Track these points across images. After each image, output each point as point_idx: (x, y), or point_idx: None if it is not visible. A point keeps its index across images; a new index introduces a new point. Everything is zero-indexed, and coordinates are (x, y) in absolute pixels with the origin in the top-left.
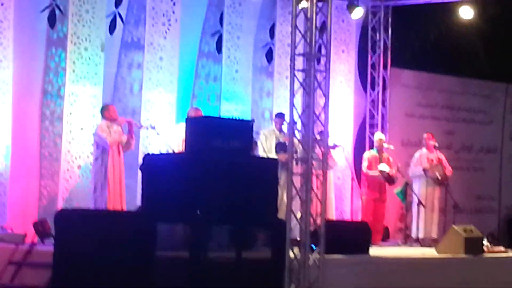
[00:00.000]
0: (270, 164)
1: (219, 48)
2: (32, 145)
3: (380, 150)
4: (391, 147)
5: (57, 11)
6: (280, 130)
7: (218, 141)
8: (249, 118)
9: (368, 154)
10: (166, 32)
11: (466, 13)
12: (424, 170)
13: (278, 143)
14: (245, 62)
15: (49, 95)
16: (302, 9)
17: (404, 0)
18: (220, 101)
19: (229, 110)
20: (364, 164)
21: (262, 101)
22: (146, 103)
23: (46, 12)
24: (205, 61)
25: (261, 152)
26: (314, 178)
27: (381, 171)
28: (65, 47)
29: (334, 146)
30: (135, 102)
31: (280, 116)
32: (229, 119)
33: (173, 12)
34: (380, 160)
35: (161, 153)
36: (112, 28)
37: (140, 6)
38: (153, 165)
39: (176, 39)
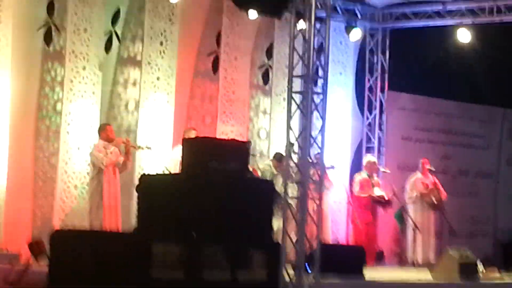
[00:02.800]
0: (266, 186)
1: (215, 68)
2: (26, 165)
3: (370, 173)
4: (388, 170)
5: (53, 29)
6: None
7: (214, 163)
8: (245, 140)
9: (359, 177)
10: (163, 52)
11: (464, 36)
12: (421, 194)
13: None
14: (242, 83)
15: (44, 110)
16: (300, 30)
17: (402, 23)
18: (217, 122)
19: (225, 131)
20: (356, 188)
21: (258, 120)
22: (143, 123)
23: (42, 30)
24: (201, 80)
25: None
26: (309, 201)
27: (378, 197)
28: (62, 61)
29: (331, 167)
30: (130, 119)
31: (278, 159)
32: (225, 140)
33: (171, 32)
34: (372, 185)
35: (157, 174)
36: (108, 46)
37: (137, 21)
38: (149, 186)
39: (173, 59)
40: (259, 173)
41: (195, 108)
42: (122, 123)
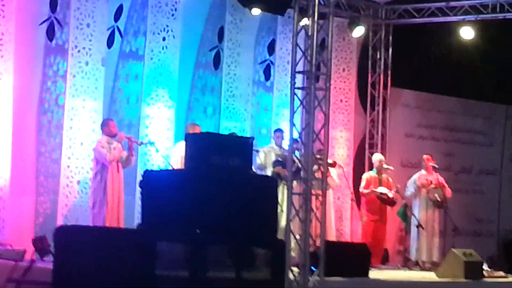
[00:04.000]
0: (270, 183)
1: (216, 63)
2: (29, 161)
3: (379, 172)
4: (391, 168)
5: (56, 24)
6: (280, 146)
7: (218, 158)
8: (248, 135)
9: (368, 175)
10: (166, 47)
11: (467, 33)
12: (417, 188)
13: (277, 160)
14: (244, 79)
15: (46, 104)
16: (303, 26)
17: (405, 19)
18: (220, 118)
19: (228, 127)
20: (362, 184)
21: (260, 117)
22: (145, 119)
23: (45, 25)
24: (202, 72)
25: (256, 168)
26: (313, 198)
27: (381, 193)
28: (64, 56)
29: (334, 164)
30: (132, 114)
31: (280, 131)
32: (229, 136)
33: (172, 30)
34: (380, 182)
35: (161, 170)
36: (110, 42)
37: (139, 17)
38: (153, 182)
39: (176, 54)
40: (263, 156)
41: (196, 99)
42: (124, 117)
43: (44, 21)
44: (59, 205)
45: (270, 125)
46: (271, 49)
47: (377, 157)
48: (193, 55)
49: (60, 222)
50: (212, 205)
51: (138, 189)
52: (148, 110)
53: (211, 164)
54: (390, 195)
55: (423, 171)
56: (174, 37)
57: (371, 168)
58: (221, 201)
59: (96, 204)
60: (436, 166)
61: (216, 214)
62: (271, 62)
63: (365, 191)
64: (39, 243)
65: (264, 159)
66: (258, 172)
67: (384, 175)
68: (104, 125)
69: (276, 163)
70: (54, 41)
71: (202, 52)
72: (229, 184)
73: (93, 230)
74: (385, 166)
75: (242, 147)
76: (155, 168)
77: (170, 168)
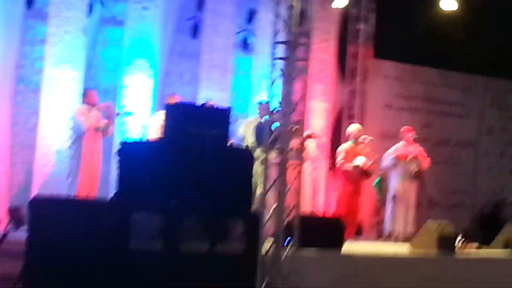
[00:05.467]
0: (246, 155)
1: (194, 33)
2: (3, 132)
3: (357, 142)
4: (370, 138)
5: None
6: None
7: (195, 129)
8: (227, 106)
9: (345, 146)
10: (146, 16)
11: (450, 5)
12: (395, 158)
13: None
14: (224, 48)
15: (23, 69)
16: None
17: None
18: (198, 87)
19: (207, 97)
20: (340, 157)
21: (238, 84)
22: (125, 88)
23: None
24: (181, 36)
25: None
26: (289, 169)
27: (355, 167)
28: (44, 20)
29: (312, 135)
30: (109, 80)
31: (265, 103)
32: (207, 107)
33: (151, 2)
34: (357, 153)
35: (138, 141)
36: (89, 10)
37: None
38: (130, 152)
39: (157, 23)
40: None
41: (174, 65)
42: (100, 83)
43: None
44: (35, 175)
45: (249, 93)
46: (250, 18)
47: (354, 127)
48: (171, 22)
49: (36, 192)
50: (188, 176)
51: (115, 159)
52: (128, 80)
53: (188, 135)
54: (365, 166)
55: (402, 142)
56: (155, 6)
57: (348, 139)
58: (197, 172)
59: (72, 173)
60: (416, 136)
61: (191, 185)
62: (250, 31)
63: (344, 166)
64: (14, 214)
65: (244, 130)
66: (240, 143)
67: (361, 146)
68: (84, 94)
69: (257, 131)
70: (33, 7)
71: (181, 19)
72: (205, 156)
73: (68, 202)
74: (364, 137)
75: (220, 118)
76: (133, 138)
77: (147, 138)
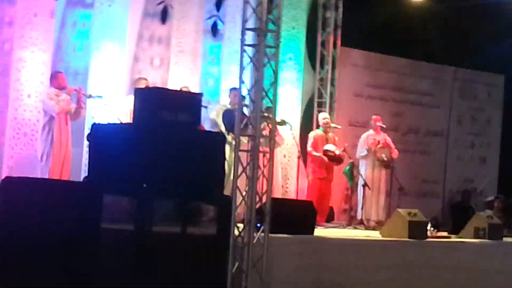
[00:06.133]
0: (217, 139)
1: (163, 18)
2: None
3: (326, 130)
4: (338, 127)
5: None
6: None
7: (166, 114)
8: (197, 90)
9: (314, 133)
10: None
11: None
12: (368, 150)
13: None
14: (193, 34)
15: None
16: None
17: None
18: (169, 70)
19: (177, 81)
20: (309, 143)
21: (207, 68)
22: (95, 70)
23: None
24: (150, 21)
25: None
26: (260, 156)
27: (325, 151)
28: (12, 1)
29: (282, 122)
30: (78, 62)
31: (236, 90)
32: (177, 91)
33: None
34: (326, 140)
35: (109, 123)
36: None
37: None
38: (101, 135)
39: (126, 6)
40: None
41: (143, 50)
42: (69, 65)
43: None
44: (4, 156)
45: (219, 78)
46: (218, 4)
47: (323, 115)
48: (140, 6)
49: (5, 174)
50: (159, 160)
51: (86, 142)
52: (97, 62)
53: (159, 119)
54: (337, 152)
55: (371, 131)
56: None
57: (318, 127)
58: (168, 156)
59: (44, 156)
60: (384, 126)
61: (163, 169)
62: (219, 17)
63: (314, 152)
64: None
65: (216, 116)
66: (212, 128)
67: (330, 134)
68: (53, 77)
69: (225, 115)
70: None
71: (150, 3)
72: (176, 140)
73: (39, 183)
74: (333, 125)
75: (191, 102)
76: (103, 121)
77: (118, 122)
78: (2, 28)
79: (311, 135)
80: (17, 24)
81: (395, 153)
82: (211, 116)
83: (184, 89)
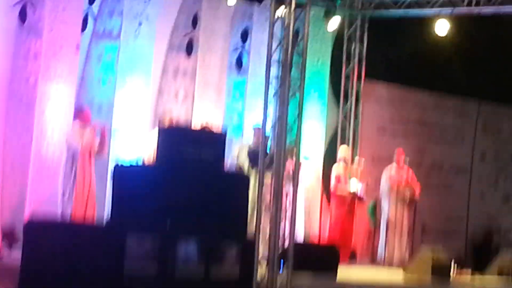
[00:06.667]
0: (241, 179)
1: (189, 50)
2: None
3: (347, 163)
4: (363, 161)
5: (29, 6)
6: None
7: (190, 153)
8: (221, 125)
9: (336, 170)
10: (140, 32)
11: (442, 28)
12: (392, 188)
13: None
14: (218, 66)
15: (16, 84)
16: (279, 16)
17: (381, 11)
18: (193, 103)
19: (202, 114)
20: (332, 182)
21: (232, 104)
22: (119, 104)
23: (18, 7)
24: (175, 54)
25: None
26: (283, 196)
27: (350, 193)
28: (38, 34)
29: (305, 158)
30: (103, 96)
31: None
32: (201, 130)
33: (147, 19)
34: (349, 174)
35: (131, 165)
36: (83, 25)
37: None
38: (124, 176)
39: (151, 39)
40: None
41: (168, 83)
42: (94, 98)
43: (17, 3)
44: (28, 191)
45: (243, 113)
46: (244, 36)
47: (342, 148)
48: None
49: (30, 210)
50: (183, 201)
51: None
52: (121, 95)
53: (183, 159)
54: (357, 192)
55: (393, 165)
56: (149, 21)
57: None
58: (192, 197)
59: (66, 192)
60: (407, 159)
61: (186, 210)
62: (245, 49)
63: (338, 191)
64: (8, 236)
65: (238, 154)
66: (234, 166)
67: (354, 166)
68: (78, 112)
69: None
70: (27, 23)
71: (175, 36)
72: (200, 180)
73: (62, 225)
74: (357, 159)
75: (215, 142)
76: (127, 159)
77: (141, 160)
78: (27, 62)
79: (334, 173)
80: (43, 57)
81: (418, 188)
82: (233, 155)
83: (205, 125)
